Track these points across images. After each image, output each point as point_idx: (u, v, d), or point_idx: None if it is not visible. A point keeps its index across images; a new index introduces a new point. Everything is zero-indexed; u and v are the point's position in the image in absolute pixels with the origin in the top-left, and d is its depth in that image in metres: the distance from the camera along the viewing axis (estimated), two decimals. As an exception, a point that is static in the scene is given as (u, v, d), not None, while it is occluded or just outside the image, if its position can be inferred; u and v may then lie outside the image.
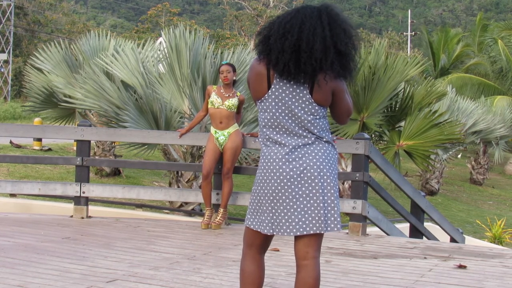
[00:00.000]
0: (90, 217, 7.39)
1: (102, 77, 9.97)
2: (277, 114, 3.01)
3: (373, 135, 11.52)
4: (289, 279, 4.62)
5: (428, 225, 10.58)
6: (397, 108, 11.38)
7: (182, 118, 9.82)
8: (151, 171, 15.92)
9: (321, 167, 2.99)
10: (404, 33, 58.26)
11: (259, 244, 3.17)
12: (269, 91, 3.03)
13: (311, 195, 2.98)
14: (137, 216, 10.05)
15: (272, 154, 3.05)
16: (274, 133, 3.04)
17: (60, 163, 8.44)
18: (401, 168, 11.71)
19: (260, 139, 3.14)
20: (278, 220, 3.03)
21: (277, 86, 3.01)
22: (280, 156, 3.02)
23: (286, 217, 3.01)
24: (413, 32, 54.54)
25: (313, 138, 3.02)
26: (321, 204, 2.98)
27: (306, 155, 3.00)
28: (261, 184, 3.09)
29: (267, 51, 2.97)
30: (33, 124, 16.44)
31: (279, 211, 3.02)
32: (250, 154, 10.29)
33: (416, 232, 8.14)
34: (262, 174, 3.09)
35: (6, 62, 38.82)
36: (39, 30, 45.46)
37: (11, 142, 16.33)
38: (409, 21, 56.89)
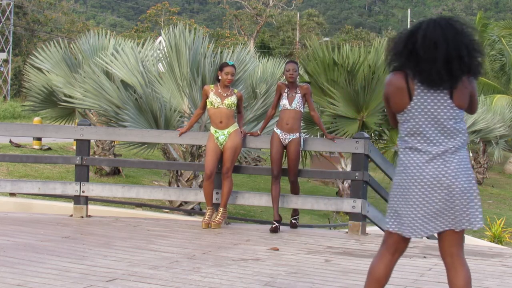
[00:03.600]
0: (89, 216, 7.38)
1: (101, 77, 9.96)
2: (420, 123, 3.22)
3: (372, 135, 11.51)
4: (289, 278, 4.61)
5: (427, 224, 10.56)
6: (396, 107, 11.35)
7: (181, 117, 9.81)
8: (151, 171, 15.92)
9: (457, 173, 3.18)
10: (404, 32, 58.19)
11: (401, 248, 3.35)
12: (411, 102, 3.23)
13: (451, 201, 3.17)
14: (137, 216, 10.03)
15: (411, 161, 3.24)
16: (416, 141, 3.24)
17: (60, 162, 8.43)
18: (401, 167, 11.67)
19: (399, 147, 3.34)
20: (419, 223, 3.21)
21: (419, 97, 3.22)
22: (420, 164, 3.21)
23: (427, 220, 3.21)
24: (413, 31, 54.48)
25: (451, 146, 3.21)
26: (461, 205, 3.18)
27: (444, 162, 3.19)
28: (402, 189, 3.26)
29: (415, 64, 3.17)
30: (33, 123, 16.44)
31: (418, 215, 3.21)
32: (249, 153, 10.30)
33: (416, 231, 8.12)
34: (403, 181, 3.26)
35: (5, 61, 38.85)
36: (38, 29, 45.47)
37: (10, 141, 16.33)
38: (409, 20, 56.97)
